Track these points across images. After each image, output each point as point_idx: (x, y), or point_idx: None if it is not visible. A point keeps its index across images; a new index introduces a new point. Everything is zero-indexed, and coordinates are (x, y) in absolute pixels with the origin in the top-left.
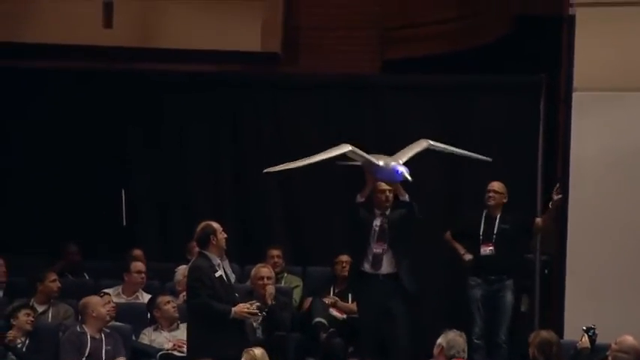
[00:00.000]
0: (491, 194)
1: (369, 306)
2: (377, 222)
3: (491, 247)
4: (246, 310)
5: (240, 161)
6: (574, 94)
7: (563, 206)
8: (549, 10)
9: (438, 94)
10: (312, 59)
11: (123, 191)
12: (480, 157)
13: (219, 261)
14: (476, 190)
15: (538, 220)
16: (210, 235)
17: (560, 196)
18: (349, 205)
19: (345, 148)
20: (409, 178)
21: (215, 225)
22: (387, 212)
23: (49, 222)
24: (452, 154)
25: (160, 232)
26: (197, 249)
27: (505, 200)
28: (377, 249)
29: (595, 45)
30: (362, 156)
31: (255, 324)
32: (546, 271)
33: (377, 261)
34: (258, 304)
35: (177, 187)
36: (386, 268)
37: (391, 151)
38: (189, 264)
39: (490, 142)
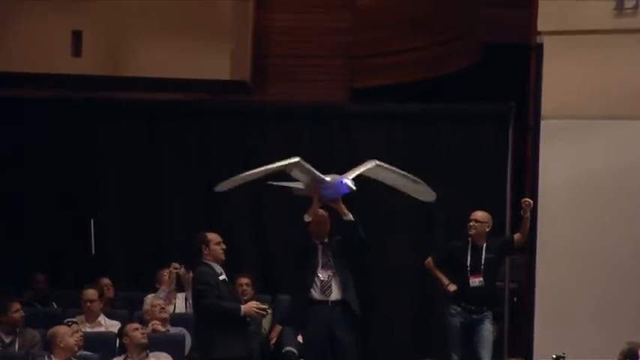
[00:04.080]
0: (472, 223)
1: (318, 334)
2: (319, 251)
3: (480, 279)
4: (255, 306)
5: (210, 188)
6: (542, 122)
7: (531, 234)
8: (517, 39)
9: (407, 123)
10: (280, 87)
11: (92, 220)
12: (424, 191)
13: (221, 269)
14: (447, 217)
15: (516, 236)
16: (202, 245)
17: (528, 201)
18: (297, 229)
19: (295, 159)
20: (353, 187)
21: (210, 235)
22: (326, 240)
23: (17, 251)
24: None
25: (129, 260)
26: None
27: (488, 229)
28: (324, 276)
29: (563, 73)
30: (309, 170)
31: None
32: (515, 299)
33: (326, 287)
34: (265, 304)
35: (146, 215)
36: (335, 294)
37: (362, 178)
38: (194, 271)
39: (458, 170)
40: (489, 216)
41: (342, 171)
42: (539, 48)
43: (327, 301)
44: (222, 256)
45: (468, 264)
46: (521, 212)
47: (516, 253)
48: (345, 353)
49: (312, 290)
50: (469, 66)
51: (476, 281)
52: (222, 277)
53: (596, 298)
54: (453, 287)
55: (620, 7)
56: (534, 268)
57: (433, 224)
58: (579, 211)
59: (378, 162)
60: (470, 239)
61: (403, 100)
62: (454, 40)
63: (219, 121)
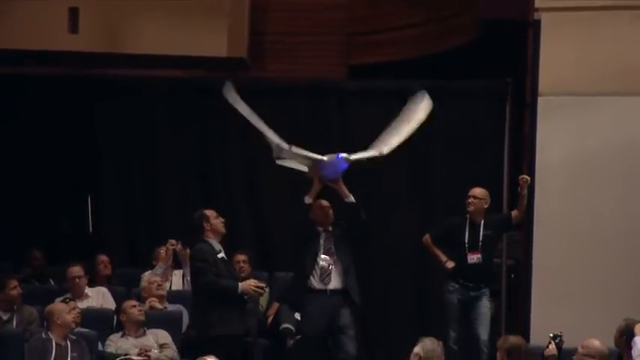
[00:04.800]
0: (470, 200)
1: (317, 322)
2: (322, 238)
3: (478, 255)
4: (252, 284)
5: (208, 165)
6: (539, 99)
7: (528, 211)
8: (515, 15)
9: (404, 100)
10: (278, 64)
11: (89, 197)
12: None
13: (220, 246)
14: (445, 193)
15: (514, 212)
16: (203, 222)
17: (525, 178)
18: (297, 209)
19: (284, 146)
20: (350, 158)
21: (207, 212)
22: (330, 228)
23: (15, 228)
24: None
25: (126, 237)
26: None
27: (487, 206)
28: (324, 264)
29: (560, 49)
30: (303, 154)
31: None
32: (512, 276)
33: (325, 275)
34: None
35: (144, 193)
36: (334, 283)
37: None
38: (193, 248)
39: (456, 147)
40: (487, 193)
41: (339, 148)
42: (537, 24)
43: (326, 290)
44: (223, 230)
45: (466, 241)
46: (519, 189)
47: (514, 229)
48: (345, 342)
49: (311, 278)
50: (467, 42)
51: (474, 258)
52: (221, 254)
53: (594, 275)
54: (450, 264)
55: None
56: (532, 245)
57: (432, 201)
58: (576, 188)
59: (382, 151)
60: (468, 216)
61: (400, 77)
62: (452, 17)
63: (216, 98)
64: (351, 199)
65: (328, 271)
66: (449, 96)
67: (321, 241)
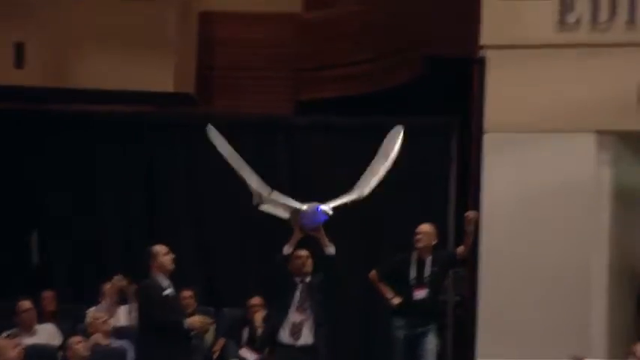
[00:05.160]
0: (419, 236)
1: None
2: (297, 290)
3: (424, 292)
4: (198, 320)
5: (154, 200)
6: (485, 136)
7: (474, 247)
8: (461, 52)
9: (352, 136)
10: (226, 100)
11: (34, 233)
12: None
13: (167, 282)
14: (392, 229)
15: (460, 249)
16: (150, 259)
17: (472, 214)
18: (273, 261)
19: (266, 191)
20: (330, 212)
21: (156, 248)
22: (307, 279)
23: None
24: None
25: (73, 273)
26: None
27: (435, 242)
28: (296, 318)
29: (505, 86)
30: (282, 203)
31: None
32: (459, 312)
33: (296, 330)
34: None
35: (90, 229)
36: (304, 338)
37: (306, 192)
38: (140, 284)
39: (403, 183)
40: (435, 229)
41: (287, 184)
42: (482, 61)
43: (294, 345)
44: (171, 266)
45: (413, 277)
46: (465, 225)
47: (460, 266)
48: None
49: (281, 331)
50: (414, 79)
51: (420, 294)
52: (168, 290)
53: (539, 311)
54: (397, 300)
55: (562, 21)
56: (477, 281)
57: (378, 237)
58: (521, 225)
59: (362, 193)
60: (414, 252)
61: (348, 112)
62: (399, 54)
63: (163, 134)
64: (331, 250)
65: (300, 326)
66: None
67: (297, 293)
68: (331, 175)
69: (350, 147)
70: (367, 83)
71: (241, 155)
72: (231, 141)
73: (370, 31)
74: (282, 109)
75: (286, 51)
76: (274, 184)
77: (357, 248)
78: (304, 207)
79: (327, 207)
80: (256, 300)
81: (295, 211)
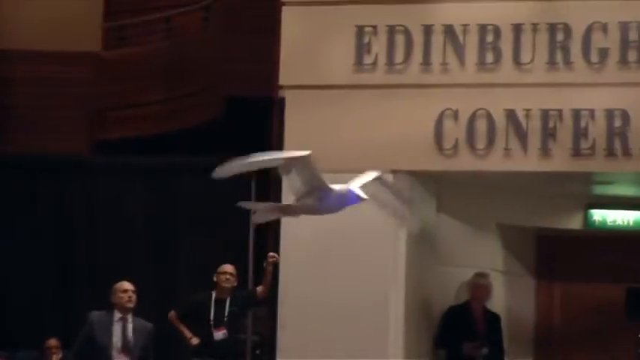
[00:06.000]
0: (228, 277)
1: None
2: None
3: (224, 331)
4: None
5: None
6: (284, 176)
7: (273, 287)
8: (260, 93)
9: (150, 175)
10: (22, 139)
11: None
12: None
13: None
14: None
15: (259, 288)
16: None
17: (272, 259)
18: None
19: (305, 152)
20: (364, 197)
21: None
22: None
23: None
24: None
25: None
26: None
27: (235, 283)
28: (218, 336)
29: (304, 127)
30: (314, 174)
31: None
32: (257, 352)
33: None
34: None
35: None
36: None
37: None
38: None
39: (202, 223)
40: (235, 269)
41: (81, 224)
42: (281, 102)
43: None
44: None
45: (212, 317)
46: (264, 265)
47: (259, 305)
48: None
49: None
50: (213, 119)
51: (219, 334)
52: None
53: (338, 352)
54: (195, 340)
55: (359, 62)
56: (276, 320)
57: (176, 276)
58: (320, 265)
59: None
60: (213, 292)
61: (145, 152)
62: (197, 94)
63: None
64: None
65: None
66: (192, 173)
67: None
68: (130, 215)
69: (148, 187)
70: (164, 123)
71: (36, 194)
72: (30, 180)
73: (167, 71)
74: (78, 149)
75: (83, 90)
76: (70, 223)
77: (155, 288)
78: (336, 187)
79: (359, 190)
80: (53, 342)
81: (320, 187)
